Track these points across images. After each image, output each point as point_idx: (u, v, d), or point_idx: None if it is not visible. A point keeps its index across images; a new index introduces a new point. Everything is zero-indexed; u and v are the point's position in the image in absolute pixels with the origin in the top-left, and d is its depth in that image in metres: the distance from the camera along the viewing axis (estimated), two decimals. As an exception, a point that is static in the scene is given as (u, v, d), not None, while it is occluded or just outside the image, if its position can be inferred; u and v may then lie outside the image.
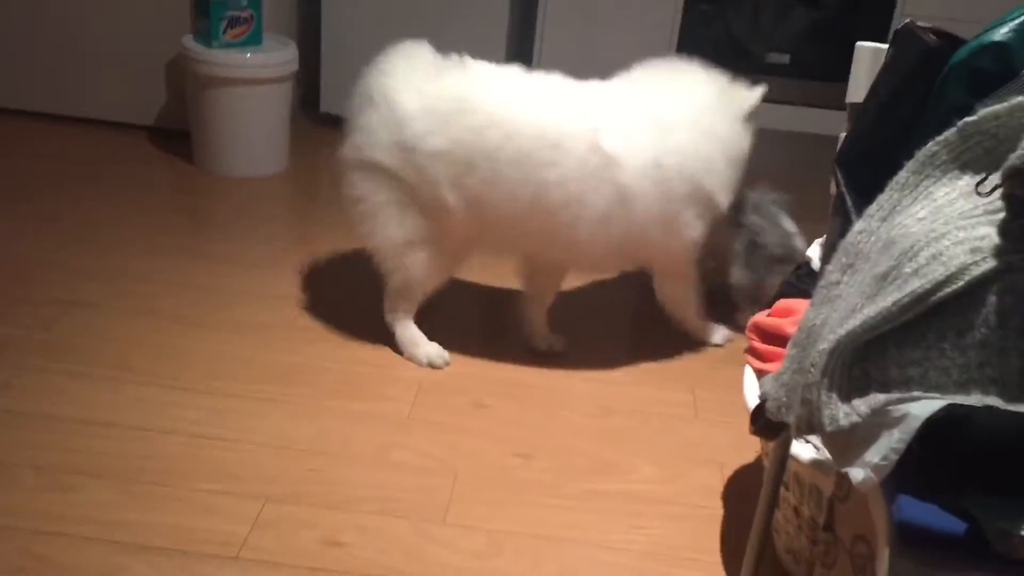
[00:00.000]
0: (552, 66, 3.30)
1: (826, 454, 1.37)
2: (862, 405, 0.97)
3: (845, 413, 0.98)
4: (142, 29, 3.07)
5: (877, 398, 0.97)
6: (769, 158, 2.62)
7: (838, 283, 1.10)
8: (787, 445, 1.35)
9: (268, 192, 2.89)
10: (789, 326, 1.54)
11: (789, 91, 3.33)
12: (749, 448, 1.88)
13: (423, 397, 1.96)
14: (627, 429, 1.93)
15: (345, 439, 1.80)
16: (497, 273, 2.50)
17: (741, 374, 2.13)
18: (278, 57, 2.90)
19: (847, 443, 0.99)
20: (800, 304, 1.58)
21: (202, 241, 2.54)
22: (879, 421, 0.96)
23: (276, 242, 2.58)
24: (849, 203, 1.15)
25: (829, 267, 1.12)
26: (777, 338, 1.57)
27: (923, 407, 0.93)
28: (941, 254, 0.97)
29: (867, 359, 0.99)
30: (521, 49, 3.65)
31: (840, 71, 3.34)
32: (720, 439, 1.92)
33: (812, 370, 1.01)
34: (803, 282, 1.61)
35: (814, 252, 1.64)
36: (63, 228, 2.51)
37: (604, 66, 3.36)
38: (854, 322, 0.99)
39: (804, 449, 1.41)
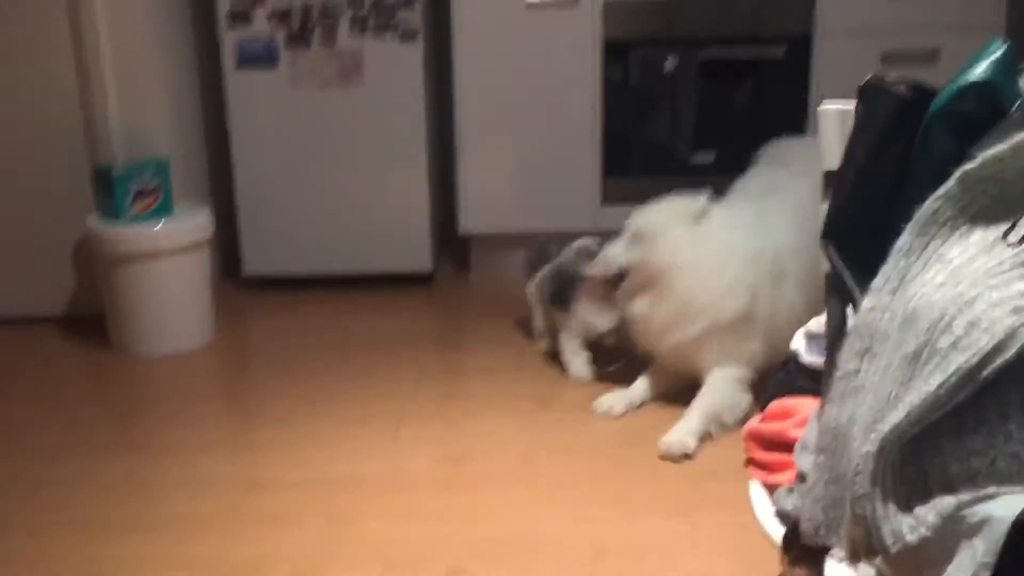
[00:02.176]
0: (479, 198, 3.25)
1: (868, 573, 1.19)
2: (929, 514, 0.80)
3: (910, 527, 0.81)
4: (41, 215, 2.89)
5: (945, 502, 0.80)
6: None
7: (857, 371, 0.95)
8: (820, 571, 1.16)
9: (195, 368, 2.68)
10: (792, 429, 1.38)
11: (720, 189, 3.28)
12: (759, 573, 1.68)
13: (392, 574, 1.73)
14: (621, 571, 1.72)
15: (310, 637, 1.56)
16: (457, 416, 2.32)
17: (737, 491, 1.95)
18: (191, 225, 2.74)
19: (918, 562, 0.82)
20: (798, 403, 1.42)
21: (128, 431, 2.31)
22: (954, 531, 0.79)
23: (208, 422, 2.36)
24: (848, 280, 1.01)
25: (842, 356, 0.97)
26: (781, 445, 1.41)
27: (1005, 506, 0.76)
28: (980, 320, 0.83)
29: (920, 457, 0.83)
30: (447, 188, 3.57)
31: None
32: (726, 569, 1.72)
33: (858, 479, 0.84)
34: (794, 377, 1.46)
35: (799, 344, 1.50)
36: (-31, 441, 2.26)
37: (533, 190, 3.28)
38: (897, 415, 0.83)
39: (840, 570, 1.22)
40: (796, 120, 3.22)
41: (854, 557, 0.86)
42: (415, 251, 3.20)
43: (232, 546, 1.82)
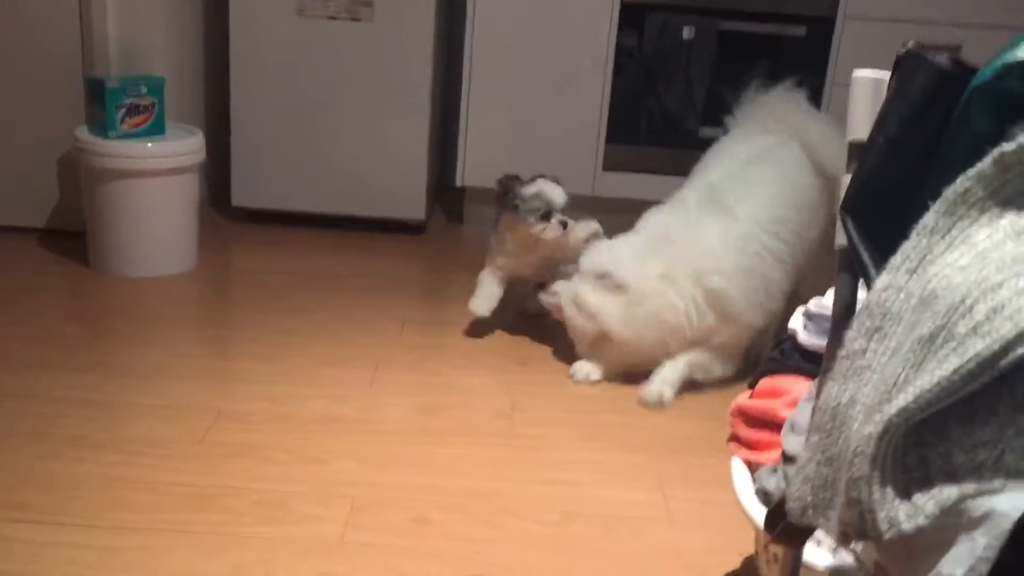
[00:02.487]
0: (478, 151, 3.18)
1: (845, 559, 1.16)
2: (929, 503, 0.77)
3: (907, 514, 0.77)
4: (30, 122, 2.81)
5: (946, 492, 0.76)
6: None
7: (864, 351, 0.91)
8: (800, 551, 1.13)
9: (174, 293, 2.63)
10: (782, 408, 1.35)
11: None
12: (732, 551, 1.66)
13: (358, 515, 1.69)
14: (591, 537, 1.69)
15: (266, 573, 1.52)
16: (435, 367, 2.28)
17: (714, 466, 1.93)
18: (183, 146, 2.67)
19: (911, 551, 0.78)
20: (790, 382, 1.39)
21: (98, 351, 2.25)
22: (953, 522, 0.75)
23: (182, 348, 2.31)
24: (864, 256, 0.96)
25: (849, 333, 0.93)
26: (768, 423, 1.38)
27: (1011, 501, 0.73)
28: (1003, 307, 0.78)
29: (924, 443, 0.79)
30: (446, 138, 3.50)
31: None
32: (698, 544, 1.69)
33: (856, 461, 0.80)
34: (788, 357, 1.42)
35: (796, 323, 1.46)
36: (-65, 344, 2.21)
37: (534, 148, 3.22)
38: (905, 398, 0.79)
39: (819, 554, 1.19)
40: (810, 102, 3.17)
41: (843, 540, 0.82)
42: (409, 199, 3.14)
43: (195, 473, 1.77)
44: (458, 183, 3.23)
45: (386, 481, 1.81)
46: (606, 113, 3.15)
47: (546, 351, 2.41)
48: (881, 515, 0.78)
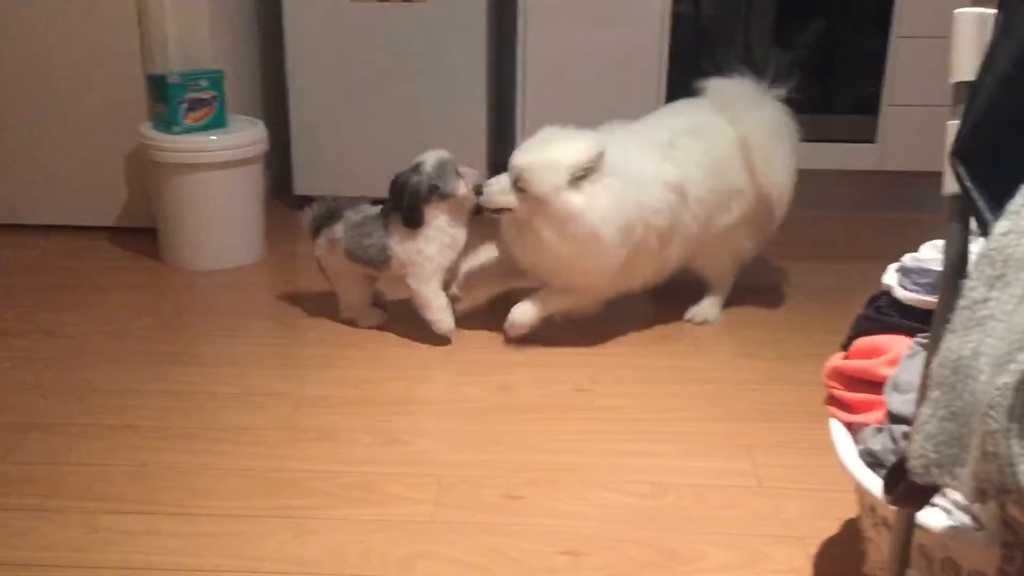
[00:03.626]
0: (537, 121, 3.14)
1: (962, 518, 1.12)
2: (1074, 453, 0.73)
3: (1052, 466, 0.74)
4: (96, 122, 2.85)
5: (1093, 442, 0.73)
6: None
7: (986, 300, 0.87)
8: (914, 513, 1.09)
9: (245, 284, 2.65)
10: (882, 367, 1.31)
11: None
12: (831, 517, 1.63)
13: (446, 494, 1.69)
14: (683, 508, 1.67)
15: (362, 555, 1.53)
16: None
17: (801, 431, 1.89)
18: (245, 138, 2.68)
19: (1055, 506, 0.75)
20: (888, 340, 1.34)
21: (177, 344, 2.28)
22: (1102, 473, 0.72)
23: (260, 337, 2.32)
24: (979, 202, 0.92)
25: (968, 283, 0.89)
26: (866, 384, 1.34)
27: None
28: None
29: (1065, 392, 0.76)
30: (503, 93, 3.47)
31: (838, 103, 3.19)
32: (794, 510, 1.66)
33: (992, 413, 0.77)
34: (885, 314, 1.38)
35: (890, 278, 1.42)
36: (21, 344, 2.25)
37: (591, 111, 3.18)
38: (1043, 345, 0.75)
39: (933, 515, 1.15)
40: (871, 69, 3.09)
41: (979, 497, 0.79)
42: (469, 178, 3.12)
43: (284, 458, 1.79)
44: (517, 160, 3.20)
45: (472, 459, 1.80)
46: (664, 82, 3.09)
47: (619, 324, 2.38)
48: (1022, 468, 0.74)
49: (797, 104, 3.15)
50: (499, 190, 2.14)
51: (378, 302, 2.40)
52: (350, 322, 2.35)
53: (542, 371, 2.14)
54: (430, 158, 2.22)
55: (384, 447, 1.84)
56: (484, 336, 2.31)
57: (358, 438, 1.86)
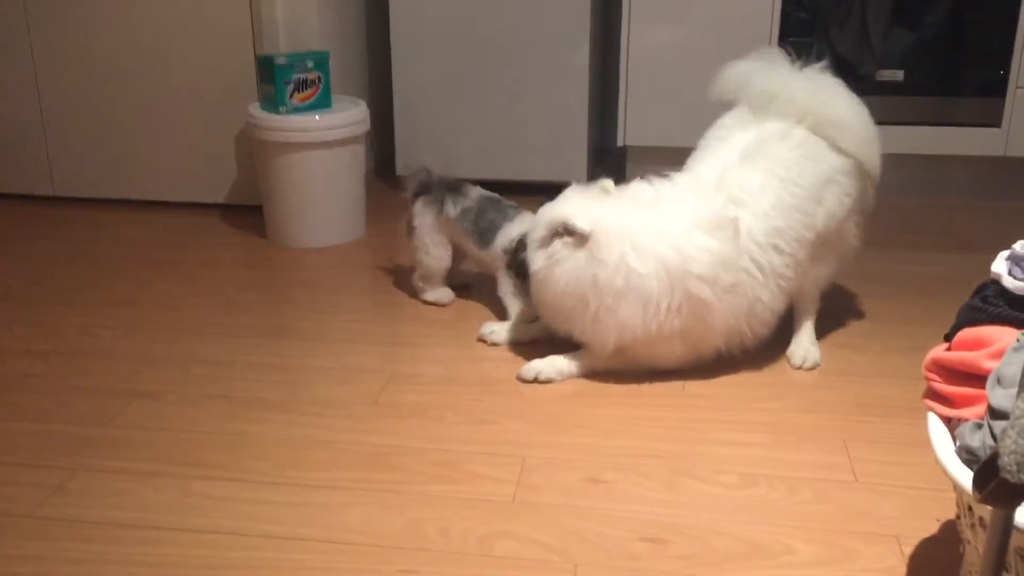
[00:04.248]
0: (640, 103, 3.09)
1: (1066, 523, 1.04)
2: None
3: None
4: (208, 103, 2.95)
5: None
6: (886, 184, 2.30)
7: (1093, 288, 0.80)
8: (1012, 513, 1.03)
9: (345, 262, 2.70)
10: (985, 360, 1.23)
11: (904, 110, 3.02)
12: (927, 516, 1.55)
13: (529, 475, 1.68)
14: (773, 500, 1.61)
15: (442, 530, 1.53)
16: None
17: (902, 427, 1.81)
18: (349, 117, 2.73)
19: None
20: (994, 331, 1.26)
21: (277, 318, 2.34)
22: None
23: (356, 314, 2.36)
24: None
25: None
26: (968, 377, 1.26)
27: None
28: None
29: None
30: (606, 88, 3.43)
31: (963, 85, 3.03)
32: (890, 507, 1.58)
33: (1090, 409, 0.71)
34: (992, 304, 1.30)
35: (1000, 266, 1.33)
36: (132, 314, 2.35)
37: (695, 107, 3.12)
38: None
39: (1034, 518, 1.08)
40: (996, 46, 2.92)
41: (1074, 498, 0.73)
42: (571, 161, 3.11)
43: (371, 432, 1.81)
44: (619, 143, 3.16)
45: (556, 442, 1.79)
46: (774, 63, 2.99)
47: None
48: (1122, 469, 0.68)
49: (918, 86, 3.02)
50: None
51: (461, 280, 2.44)
52: (418, 291, 2.40)
53: (634, 356, 2.11)
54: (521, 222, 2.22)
55: (471, 426, 1.84)
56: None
57: (445, 416, 1.88)
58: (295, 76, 2.70)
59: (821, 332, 2.20)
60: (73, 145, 3.08)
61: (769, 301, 1.99)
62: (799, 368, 2.07)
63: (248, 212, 2.97)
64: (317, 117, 2.70)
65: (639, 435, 1.81)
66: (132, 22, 2.92)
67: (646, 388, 1.99)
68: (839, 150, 2.04)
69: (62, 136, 3.07)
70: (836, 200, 2.03)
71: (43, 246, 2.82)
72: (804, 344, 2.11)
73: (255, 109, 2.75)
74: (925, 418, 1.30)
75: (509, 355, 2.13)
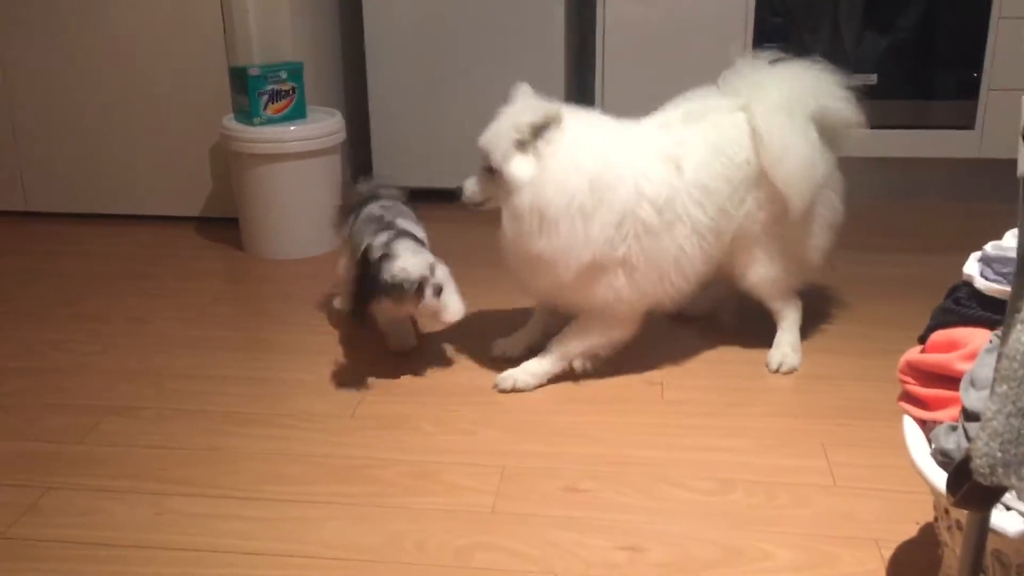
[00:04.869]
0: (616, 105, 3.09)
1: (1041, 523, 1.04)
2: None
3: (1124, 469, 0.67)
4: (182, 116, 2.93)
5: None
6: (862, 187, 2.31)
7: (1060, 289, 0.80)
8: (987, 516, 1.02)
9: (323, 273, 2.67)
10: (959, 362, 1.23)
11: (879, 114, 3.03)
12: (906, 519, 1.55)
13: (507, 485, 1.67)
14: (752, 506, 1.61)
15: (420, 543, 1.52)
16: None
17: (880, 430, 1.81)
18: (324, 128, 2.72)
19: None
20: (967, 333, 1.26)
21: (252, 331, 2.32)
22: None
23: (330, 326, 2.34)
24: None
25: (1041, 270, 0.82)
26: (942, 379, 1.26)
27: None
28: None
29: None
30: (582, 94, 3.43)
31: (936, 88, 3.04)
32: (869, 511, 1.58)
33: (1059, 410, 0.71)
34: (964, 306, 1.30)
35: (972, 268, 1.33)
36: (106, 329, 2.32)
37: (670, 94, 3.11)
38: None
39: (1009, 519, 1.08)
40: (968, 51, 2.94)
41: (1044, 500, 0.73)
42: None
43: (348, 445, 1.80)
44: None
45: (535, 451, 1.78)
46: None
47: (696, 320, 2.32)
48: (1091, 470, 0.68)
49: (892, 89, 3.04)
50: (472, 182, 1.97)
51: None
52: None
53: (611, 363, 2.09)
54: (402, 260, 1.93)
55: (448, 436, 1.83)
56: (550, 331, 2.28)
57: (421, 427, 1.86)
58: (269, 87, 2.68)
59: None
60: (45, 159, 3.04)
61: (691, 254, 1.95)
62: (776, 372, 2.07)
63: (224, 224, 2.95)
64: (292, 128, 2.68)
65: (618, 442, 1.80)
66: (104, 34, 2.89)
67: (624, 394, 1.98)
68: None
69: (33, 150, 3.04)
70: (756, 200, 2.01)
71: (15, 262, 2.79)
72: (783, 349, 2.11)
73: (229, 121, 2.73)
74: (901, 421, 1.30)
75: (485, 365, 2.12)
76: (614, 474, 1.70)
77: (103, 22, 2.88)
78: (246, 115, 2.70)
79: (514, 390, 1.99)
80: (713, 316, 2.32)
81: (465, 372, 2.08)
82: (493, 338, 2.19)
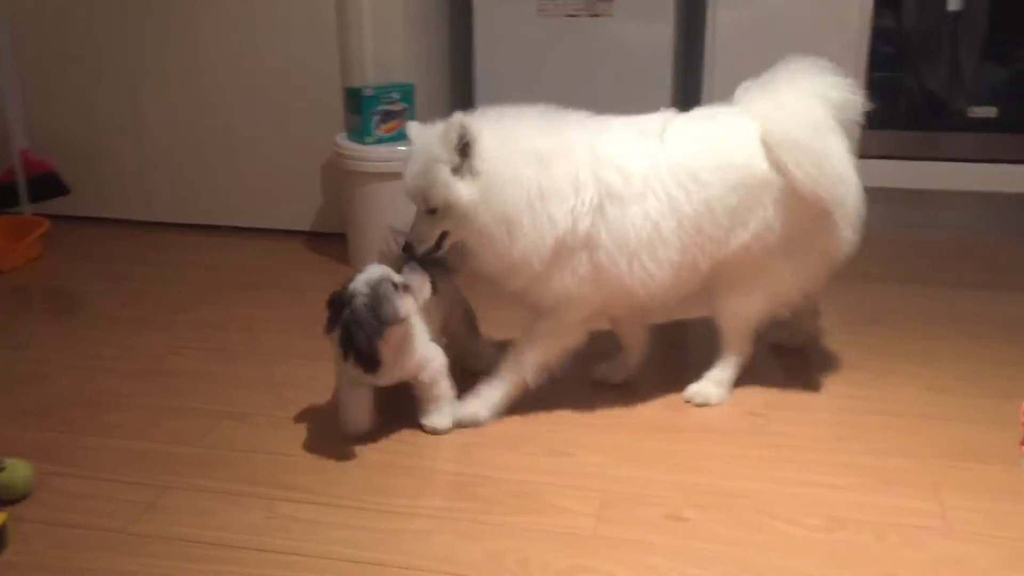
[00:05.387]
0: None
1: None
2: None
3: None
4: (297, 133, 3.04)
5: None
6: (980, 223, 2.24)
7: None
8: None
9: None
10: (1091, 407, 1.19)
11: (997, 147, 2.95)
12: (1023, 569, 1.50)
13: (609, 510, 1.67)
14: (860, 545, 1.57)
15: (522, 562, 1.53)
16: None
17: (996, 474, 1.75)
18: (433, 149, 2.77)
19: None
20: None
21: (360, 344, 2.37)
22: None
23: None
24: None
25: None
26: (1071, 425, 1.22)
27: None
28: None
29: None
30: (687, 96, 3.42)
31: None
32: (984, 557, 1.53)
33: None
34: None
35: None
36: (221, 336, 2.41)
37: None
38: None
39: None
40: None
41: None
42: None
43: (453, 461, 1.83)
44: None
45: (635, 476, 1.78)
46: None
47: (797, 351, 2.29)
48: None
49: (1013, 123, 2.95)
50: (418, 231, 1.88)
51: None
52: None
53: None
54: (360, 287, 1.84)
55: (549, 457, 1.84)
56: (656, 354, 2.27)
57: (523, 447, 1.88)
58: (381, 107, 2.75)
59: (910, 374, 2.15)
60: (168, 172, 3.20)
61: (666, 236, 1.86)
62: (687, 402, 2.03)
63: (332, 239, 3.03)
64: (401, 148, 2.75)
65: (720, 472, 1.79)
66: (227, 56, 3.02)
67: (724, 425, 1.96)
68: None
69: (158, 164, 3.20)
70: (756, 217, 1.91)
71: (138, 269, 2.92)
72: (707, 382, 2.05)
73: (342, 139, 2.81)
74: (1021, 466, 1.26)
75: (588, 389, 2.12)
76: (716, 504, 1.68)
77: (226, 43, 3.01)
78: (358, 134, 2.78)
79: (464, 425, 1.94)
80: (815, 346, 2.29)
81: (568, 395, 2.08)
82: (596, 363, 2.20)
